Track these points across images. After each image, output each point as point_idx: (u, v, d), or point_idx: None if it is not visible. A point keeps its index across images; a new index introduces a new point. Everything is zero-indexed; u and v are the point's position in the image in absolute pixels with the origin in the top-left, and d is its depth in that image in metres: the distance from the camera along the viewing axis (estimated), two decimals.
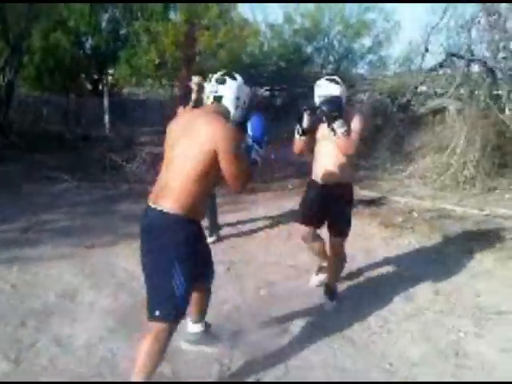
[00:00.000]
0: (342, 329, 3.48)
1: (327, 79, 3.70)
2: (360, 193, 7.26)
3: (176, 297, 2.44)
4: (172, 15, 16.45)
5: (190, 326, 3.03)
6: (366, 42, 15.37)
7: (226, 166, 2.40)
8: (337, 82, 3.64)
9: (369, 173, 8.92)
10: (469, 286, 4.29)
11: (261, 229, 5.90)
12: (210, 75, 2.73)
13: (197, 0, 16.02)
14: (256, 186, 7.82)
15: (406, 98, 11.13)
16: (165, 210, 2.43)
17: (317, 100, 3.65)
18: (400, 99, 10.97)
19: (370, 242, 5.45)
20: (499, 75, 9.14)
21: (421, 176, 8.53)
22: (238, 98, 2.66)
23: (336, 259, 3.87)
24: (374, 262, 4.81)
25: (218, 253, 4.84)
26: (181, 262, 2.43)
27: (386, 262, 4.84)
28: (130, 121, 13.60)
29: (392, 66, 13.99)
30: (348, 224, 3.79)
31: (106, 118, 13.42)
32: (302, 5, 15.44)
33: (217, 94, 2.64)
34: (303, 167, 9.82)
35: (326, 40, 15.42)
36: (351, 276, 4.45)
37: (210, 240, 4.97)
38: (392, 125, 10.16)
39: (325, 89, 3.62)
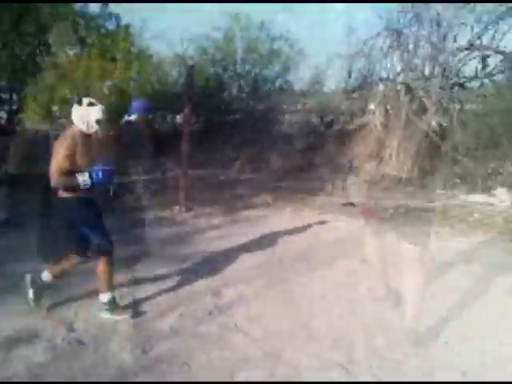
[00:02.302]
0: None
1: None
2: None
3: None
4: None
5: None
6: (276, 68, 16.52)
7: None
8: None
9: (317, 185, 9.67)
10: None
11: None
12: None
13: None
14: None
15: (330, 118, 12.09)
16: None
17: None
18: (325, 118, 11.91)
19: None
20: (419, 92, 10.25)
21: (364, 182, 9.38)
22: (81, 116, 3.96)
23: None
24: None
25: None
26: None
27: None
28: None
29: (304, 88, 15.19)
30: None
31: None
32: (213, 37, 16.29)
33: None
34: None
35: (240, 69, 16.33)
36: None
37: None
38: (324, 141, 11.01)
39: None
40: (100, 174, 3.83)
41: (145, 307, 4.42)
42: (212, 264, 4.96)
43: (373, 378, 3.37)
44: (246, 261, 4.96)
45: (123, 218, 7.95)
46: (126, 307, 4.36)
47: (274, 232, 6.81)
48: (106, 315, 4.19)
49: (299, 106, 12.87)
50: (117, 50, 15.69)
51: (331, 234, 6.87)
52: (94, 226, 4.09)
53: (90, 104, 3.97)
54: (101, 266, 4.18)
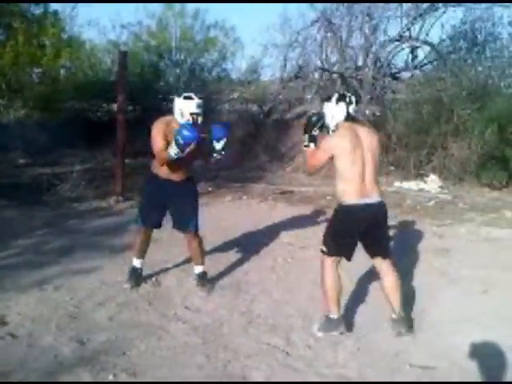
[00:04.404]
0: None
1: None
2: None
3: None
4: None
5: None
6: (213, 56, 16.55)
7: None
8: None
9: (257, 173, 9.79)
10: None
11: None
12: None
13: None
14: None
15: (268, 106, 12.26)
16: None
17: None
18: (264, 107, 12.07)
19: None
20: (353, 82, 10.59)
21: (303, 170, 9.62)
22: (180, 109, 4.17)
23: None
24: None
25: None
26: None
27: None
28: None
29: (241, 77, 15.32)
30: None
31: None
32: (147, 25, 16.12)
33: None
34: None
35: (176, 57, 16.16)
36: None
37: None
38: (264, 130, 11.15)
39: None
40: (184, 128, 3.86)
41: (82, 298, 4.34)
42: (151, 253, 4.91)
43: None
44: (184, 249, 4.94)
45: (58, 208, 7.75)
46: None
47: (214, 220, 6.83)
48: None
49: (236, 95, 12.94)
50: (46, 36, 15.13)
51: (271, 221, 6.97)
52: (145, 202, 4.56)
53: (187, 97, 4.15)
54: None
